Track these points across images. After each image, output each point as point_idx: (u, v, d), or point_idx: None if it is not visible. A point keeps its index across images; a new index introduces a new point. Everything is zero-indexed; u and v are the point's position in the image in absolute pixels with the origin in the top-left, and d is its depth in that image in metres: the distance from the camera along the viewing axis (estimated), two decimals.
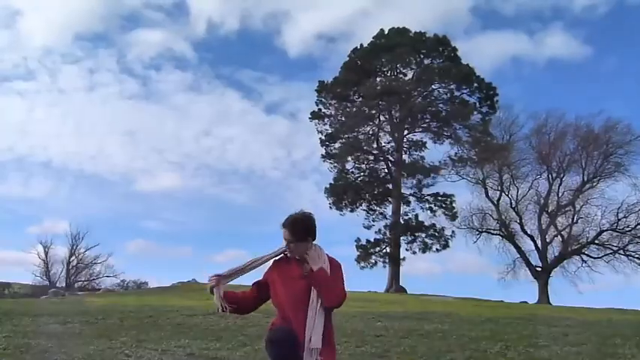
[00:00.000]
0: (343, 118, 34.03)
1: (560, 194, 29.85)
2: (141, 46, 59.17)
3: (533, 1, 50.80)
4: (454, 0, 51.39)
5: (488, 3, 53.36)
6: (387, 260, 32.28)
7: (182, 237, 61.00)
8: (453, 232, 31.95)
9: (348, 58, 34.33)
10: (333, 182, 33.73)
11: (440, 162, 32.99)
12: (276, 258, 3.30)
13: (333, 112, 34.92)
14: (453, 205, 32.49)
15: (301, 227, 3.22)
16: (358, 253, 32.68)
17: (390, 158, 33.94)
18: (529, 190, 30.36)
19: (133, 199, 57.90)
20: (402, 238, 32.19)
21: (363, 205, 33.95)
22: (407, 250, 32.27)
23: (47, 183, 59.26)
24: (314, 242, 3.27)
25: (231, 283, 3.31)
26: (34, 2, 59.41)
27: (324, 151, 34.66)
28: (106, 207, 60.36)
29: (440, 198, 33.02)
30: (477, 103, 33.66)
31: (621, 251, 28.16)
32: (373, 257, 32.60)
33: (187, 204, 59.65)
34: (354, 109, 33.61)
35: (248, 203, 57.19)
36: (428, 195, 33.19)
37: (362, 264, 32.30)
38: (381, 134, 34.20)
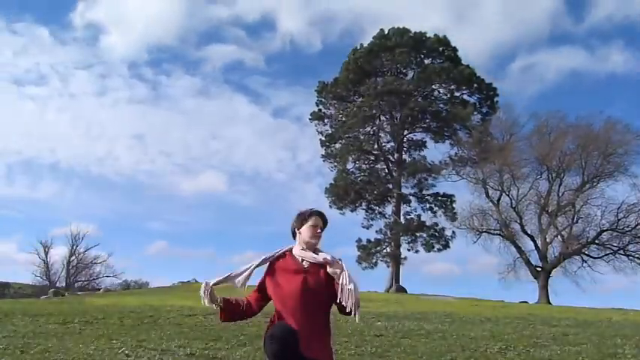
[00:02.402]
0: (343, 119, 34.05)
1: (560, 194, 29.79)
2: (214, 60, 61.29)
3: (602, 23, 53.69)
4: (528, 19, 55.80)
5: (563, 22, 56.17)
6: (388, 260, 32.30)
7: (192, 239, 62.14)
8: (453, 232, 32.02)
9: (348, 59, 34.36)
10: (333, 182, 33.75)
11: (440, 162, 33.08)
12: (273, 258, 3.32)
13: (333, 113, 34.97)
14: (453, 205, 32.55)
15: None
16: (359, 253, 32.74)
17: (391, 158, 33.97)
18: (529, 190, 30.30)
19: (139, 200, 58.76)
20: (402, 238, 32.20)
21: (364, 204, 34.00)
22: (408, 250, 32.36)
23: (54, 185, 60.23)
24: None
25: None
26: (116, 18, 61.76)
27: (325, 151, 34.74)
28: (111, 208, 61.27)
29: (440, 198, 33.05)
30: (477, 104, 33.72)
31: (621, 251, 28.14)
32: (374, 257, 32.63)
33: (193, 206, 60.77)
34: (355, 109, 33.61)
35: (253, 205, 58.20)
36: (428, 195, 33.25)
37: (363, 264, 32.34)
38: (382, 134, 34.28)
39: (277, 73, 62.24)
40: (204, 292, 3.23)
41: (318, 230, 3.26)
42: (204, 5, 62.32)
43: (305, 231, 3.28)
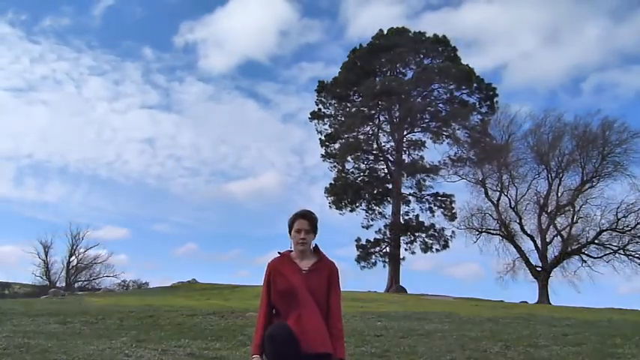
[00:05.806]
0: (343, 118, 34.04)
1: (559, 194, 29.78)
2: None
3: None
4: (615, 43, 57.13)
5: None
6: (387, 260, 32.30)
7: (218, 241, 62.74)
8: (452, 232, 32.01)
9: (347, 59, 34.34)
10: (332, 182, 33.75)
11: (439, 162, 33.05)
12: (272, 264, 3.34)
13: (332, 112, 34.95)
14: (453, 205, 32.54)
15: (316, 220, 3.37)
16: (358, 253, 32.74)
17: (390, 158, 33.93)
18: (528, 190, 30.29)
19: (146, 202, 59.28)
20: (401, 238, 32.20)
21: (363, 204, 33.99)
22: (407, 250, 32.34)
23: (62, 187, 60.63)
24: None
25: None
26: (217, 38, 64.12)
27: (324, 151, 34.72)
28: (117, 210, 61.70)
29: (439, 198, 33.03)
30: (477, 104, 33.72)
31: (621, 251, 28.11)
32: (373, 257, 32.63)
33: (199, 207, 61.33)
34: (354, 109, 33.59)
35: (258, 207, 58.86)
36: (427, 195, 33.24)
37: (362, 264, 32.36)
38: (381, 134, 34.23)
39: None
40: None
41: (302, 236, 3.24)
42: (311, 27, 63.34)
43: (292, 237, 3.30)
